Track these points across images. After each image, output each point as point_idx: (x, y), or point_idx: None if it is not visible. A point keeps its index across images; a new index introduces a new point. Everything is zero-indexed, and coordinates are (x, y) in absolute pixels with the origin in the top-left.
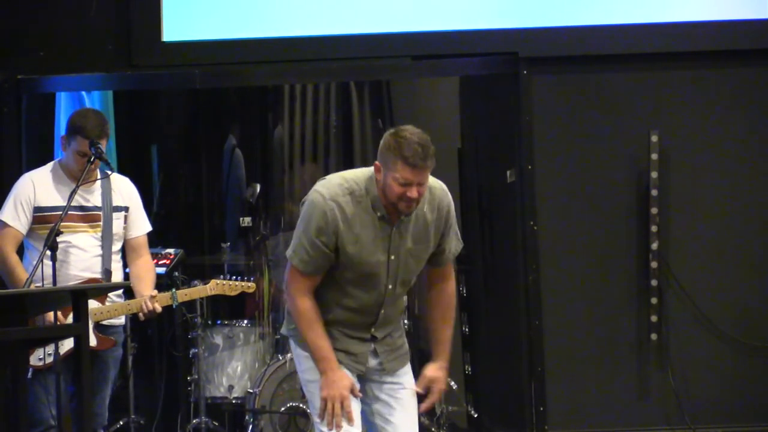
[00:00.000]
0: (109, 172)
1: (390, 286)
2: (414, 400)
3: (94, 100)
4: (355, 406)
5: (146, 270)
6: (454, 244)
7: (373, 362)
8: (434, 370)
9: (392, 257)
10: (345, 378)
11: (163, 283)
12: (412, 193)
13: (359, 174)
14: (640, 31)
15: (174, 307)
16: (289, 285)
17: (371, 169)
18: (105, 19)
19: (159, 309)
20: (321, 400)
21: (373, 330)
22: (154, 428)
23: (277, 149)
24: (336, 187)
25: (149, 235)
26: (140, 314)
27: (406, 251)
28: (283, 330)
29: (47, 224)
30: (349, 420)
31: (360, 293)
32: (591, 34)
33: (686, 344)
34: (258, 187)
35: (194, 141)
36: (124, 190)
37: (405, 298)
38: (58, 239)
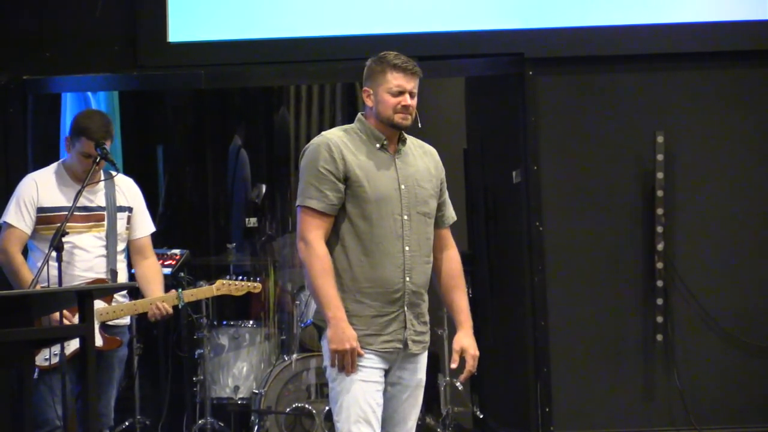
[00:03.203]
0: (114, 173)
1: (405, 217)
2: (421, 396)
3: (99, 100)
4: (378, 402)
5: (154, 272)
6: (450, 210)
7: (398, 342)
8: (462, 339)
9: (403, 186)
10: (351, 330)
11: (168, 284)
12: (406, 101)
13: (347, 124)
14: (645, 32)
15: (180, 307)
16: (301, 232)
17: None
18: (110, 20)
19: (170, 310)
20: (331, 353)
21: (407, 280)
22: (159, 429)
23: (282, 147)
24: (330, 130)
25: (155, 235)
26: (150, 317)
27: (414, 181)
28: (315, 318)
29: (50, 225)
30: (352, 366)
31: (378, 232)
32: (596, 35)
33: (692, 345)
34: (263, 188)
35: (200, 141)
36: (128, 190)
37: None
38: (63, 240)
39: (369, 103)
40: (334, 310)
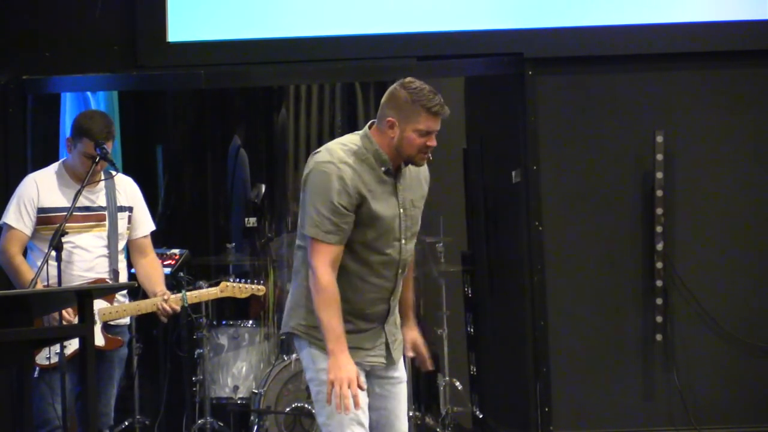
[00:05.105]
0: (114, 173)
1: (403, 241)
2: (406, 392)
3: (99, 100)
4: (363, 398)
5: (154, 268)
6: None
7: (381, 357)
8: (413, 334)
9: (401, 210)
10: (352, 363)
11: (168, 284)
12: (432, 142)
13: (350, 137)
14: (644, 32)
15: (185, 307)
16: (313, 260)
17: (358, 132)
18: (110, 20)
19: (177, 308)
20: (328, 384)
21: (391, 300)
22: (159, 429)
23: (282, 147)
24: (339, 150)
25: (155, 234)
26: (161, 317)
27: (410, 202)
28: (291, 325)
29: (51, 225)
30: (356, 404)
31: (379, 259)
32: (596, 35)
33: (691, 345)
34: (263, 188)
35: (199, 141)
36: (128, 190)
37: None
38: (63, 240)
39: (391, 133)
40: (335, 342)
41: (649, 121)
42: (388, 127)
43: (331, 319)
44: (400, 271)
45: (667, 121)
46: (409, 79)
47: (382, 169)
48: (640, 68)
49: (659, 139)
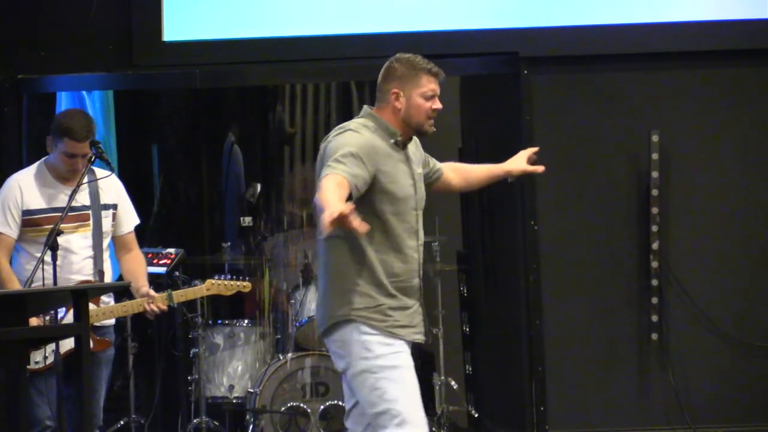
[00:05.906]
0: (107, 173)
1: (417, 212)
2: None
3: (94, 99)
4: (413, 380)
5: (137, 264)
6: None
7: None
8: (512, 163)
9: (413, 181)
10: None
11: (163, 283)
12: (437, 104)
13: (355, 119)
14: (640, 31)
15: (171, 306)
16: (322, 180)
17: (359, 116)
18: (106, 19)
19: (164, 308)
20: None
21: (420, 272)
22: (154, 428)
23: (277, 147)
24: (352, 125)
25: (151, 234)
26: (148, 316)
27: (418, 176)
28: (339, 314)
29: (36, 227)
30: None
31: (404, 228)
32: (591, 34)
33: (687, 344)
34: (258, 187)
35: (195, 141)
36: (111, 187)
37: None
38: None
39: (398, 104)
40: (328, 203)
41: (645, 120)
42: (394, 99)
43: (330, 192)
44: (419, 242)
45: (662, 120)
46: (398, 54)
47: (392, 141)
48: (635, 67)
49: (655, 138)
